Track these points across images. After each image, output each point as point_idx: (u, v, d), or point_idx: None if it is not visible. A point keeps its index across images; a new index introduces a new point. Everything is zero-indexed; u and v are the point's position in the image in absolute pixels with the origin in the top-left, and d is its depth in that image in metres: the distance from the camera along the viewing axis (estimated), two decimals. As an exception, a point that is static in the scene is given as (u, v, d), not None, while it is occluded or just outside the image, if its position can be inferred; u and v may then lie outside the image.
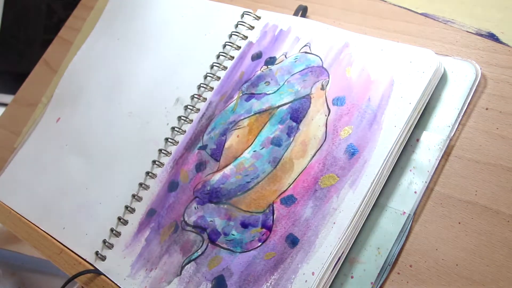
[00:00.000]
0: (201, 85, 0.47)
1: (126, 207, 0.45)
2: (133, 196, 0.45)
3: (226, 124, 0.43)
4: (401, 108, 0.37)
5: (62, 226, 0.47)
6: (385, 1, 0.45)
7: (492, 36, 0.39)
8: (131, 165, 0.46)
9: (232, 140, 0.42)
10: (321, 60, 0.42)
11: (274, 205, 0.38)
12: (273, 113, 0.41)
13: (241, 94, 0.44)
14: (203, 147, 0.43)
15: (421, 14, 0.43)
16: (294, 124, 0.40)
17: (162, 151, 0.45)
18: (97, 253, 0.44)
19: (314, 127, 0.39)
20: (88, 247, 0.44)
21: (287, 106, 0.41)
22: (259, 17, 0.47)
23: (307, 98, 0.41)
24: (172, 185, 0.43)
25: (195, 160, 0.43)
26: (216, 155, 0.42)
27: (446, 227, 0.34)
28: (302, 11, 0.47)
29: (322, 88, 0.40)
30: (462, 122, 0.37)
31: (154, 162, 0.45)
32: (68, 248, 0.45)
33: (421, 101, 0.36)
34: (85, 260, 0.44)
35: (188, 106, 0.46)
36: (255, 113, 0.42)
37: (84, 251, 0.45)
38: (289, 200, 0.38)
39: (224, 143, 0.42)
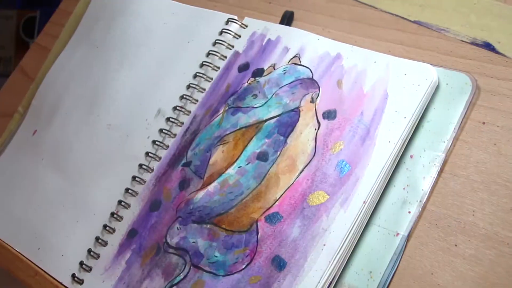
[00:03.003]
0: (184, 96, 0.44)
1: (105, 226, 0.42)
2: (112, 214, 0.42)
3: (211, 139, 0.41)
4: (395, 123, 0.35)
5: (37, 246, 0.44)
6: (376, 8, 0.43)
7: (488, 46, 0.38)
8: (110, 181, 0.44)
9: (217, 156, 0.40)
10: (311, 72, 0.40)
11: (258, 223, 0.36)
12: (260, 127, 0.39)
13: (227, 108, 0.42)
14: (187, 164, 0.41)
15: (414, 22, 0.41)
16: (281, 138, 0.38)
17: (143, 166, 0.43)
18: (73, 276, 0.42)
19: (302, 141, 0.37)
20: (65, 269, 0.42)
21: (274, 119, 0.39)
22: (246, 26, 0.45)
23: (296, 111, 0.39)
24: (154, 204, 0.41)
25: (178, 177, 0.41)
26: (200, 172, 0.40)
27: (442, 250, 0.33)
28: (288, 17, 0.45)
29: (312, 101, 0.39)
30: (457, 137, 0.35)
31: (134, 178, 0.43)
32: (44, 271, 0.43)
33: (416, 115, 0.35)
34: (61, 283, 0.42)
35: (170, 119, 0.44)
36: (241, 128, 0.40)
37: (60, 274, 0.42)
38: (274, 218, 0.36)
39: (209, 159, 0.40)
